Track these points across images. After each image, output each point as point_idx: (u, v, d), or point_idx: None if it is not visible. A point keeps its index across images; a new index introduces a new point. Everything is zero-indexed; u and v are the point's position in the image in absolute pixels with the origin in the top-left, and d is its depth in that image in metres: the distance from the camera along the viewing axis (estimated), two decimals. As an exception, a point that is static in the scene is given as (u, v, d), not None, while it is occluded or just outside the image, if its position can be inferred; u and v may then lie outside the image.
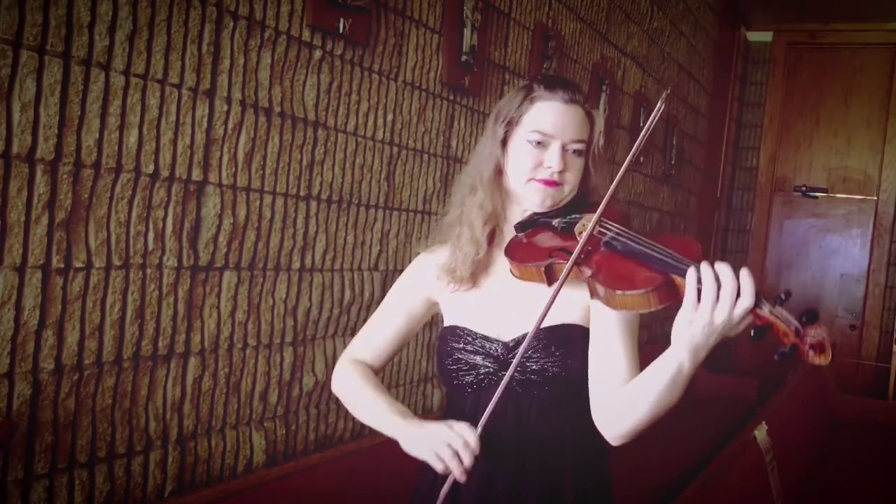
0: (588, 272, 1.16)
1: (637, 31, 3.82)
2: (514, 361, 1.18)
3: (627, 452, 1.29)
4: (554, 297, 1.16)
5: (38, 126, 1.27)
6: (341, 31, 1.85)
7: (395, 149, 2.14)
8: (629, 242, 1.16)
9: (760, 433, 2.62)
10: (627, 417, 1.16)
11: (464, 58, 2.33)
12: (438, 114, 2.31)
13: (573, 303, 1.27)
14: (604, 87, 3.40)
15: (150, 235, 1.49)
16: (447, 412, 1.36)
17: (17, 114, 1.24)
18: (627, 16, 3.67)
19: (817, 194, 5.47)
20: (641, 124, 3.91)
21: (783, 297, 1.00)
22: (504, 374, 1.26)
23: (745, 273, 1.01)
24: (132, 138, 1.42)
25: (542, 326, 1.25)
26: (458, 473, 1.14)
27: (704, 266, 1.02)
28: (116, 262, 1.43)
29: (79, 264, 1.36)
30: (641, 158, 3.98)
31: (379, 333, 1.44)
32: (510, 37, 2.62)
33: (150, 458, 1.54)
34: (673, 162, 4.44)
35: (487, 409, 1.17)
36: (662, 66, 4.24)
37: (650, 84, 4.07)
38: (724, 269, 1.01)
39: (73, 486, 1.40)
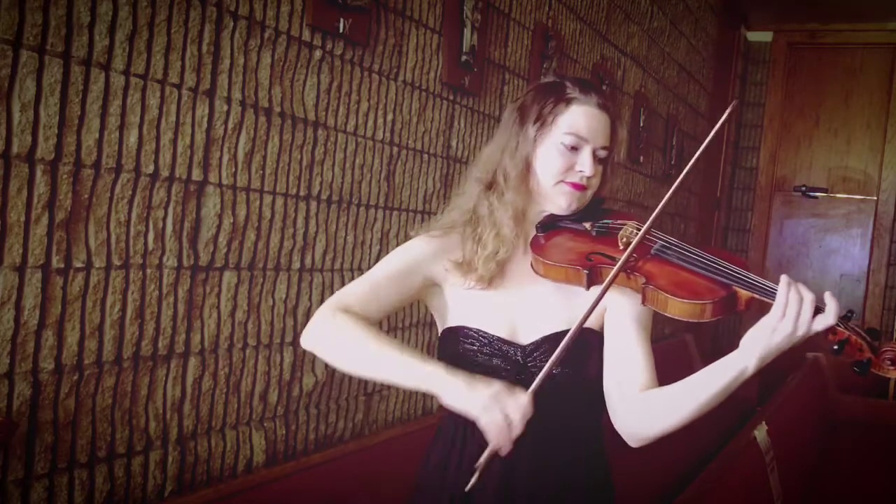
0: (642, 279, 1.18)
1: (637, 31, 3.82)
2: (552, 359, 1.15)
3: (627, 452, 1.29)
4: (598, 300, 1.17)
5: (38, 126, 1.27)
6: (341, 31, 1.85)
7: (395, 149, 2.14)
8: (683, 252, 1.20)
9: (760, 433, 2.62)
10: (658, 423, 1.17)
11: (464, 58, 2.33)
12: (438, 114, 2.31)
13: (587, 307, 1.27)
14: (604, 88, 3.40)
15: (150, 235, 1.49)
16: (453, 414, 1.34)
17: (17, 114, 1.24)
18: (627, 16, 3.67)
19: (817, 194, 5.47)
20: (641, 124, 3.91)
21: (849, 314, 1.10)
22: (520, 378, 1.26)
23: (829, 294, 1.09)
24: (132, 138, 1.42)
25: (557, 331, 1.26)
26: (506, 449, 1.09)
27: (790, 283, 1.09)
28: (116, 262, 1.43)
29: (79, 264, 1.36)
30: (641, 158, 3.98)
31: (371, 290, 1.28)
32: (510, 37, 2.62)
33: (150, 458, 1.54)
34: (673, 162, 4.44)
35: (539, 376, 1.13)
36: (662, 66, 4.24)
37: (650, 84, 4.07)
38: (803, 287, 1.09)
39: (73, 486, 1.39)
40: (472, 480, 1.10)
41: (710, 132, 1.21)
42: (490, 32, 2.49)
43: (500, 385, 1.11)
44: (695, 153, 1.21)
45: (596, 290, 1.20)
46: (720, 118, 1.22)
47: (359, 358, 1.20)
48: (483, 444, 1.12)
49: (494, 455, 1.10)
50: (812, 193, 5.46)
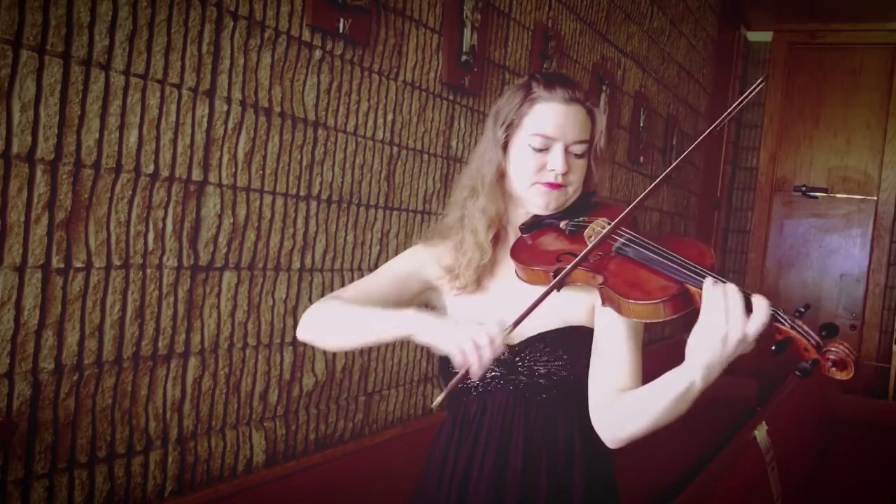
0: (600, 279, 1.14)
1: (637, 31, 3.82)
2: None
3: (627, 452, 1.29)
4: (547, 293, 1.14)
5: (38, 126, 1.27)
6: (341, 31, 1.85)
7: (395, 149, 2.14)
8: (641, 249, 1.15)
9: (760, 433, 2.62)
10: (628, 425, 1.16)
11: (464, 58, 2.33)
12: (438, 114, 2.31)
13: (579, 304, 1.26)
14: (604, 87, 3.40)
15: (150, 235, 1.49)
16: (451, 414, 1.35)
17: (17, 114, 1.24)
18: (627, 16, 3.67)
19: (817, 194, 5.47)
20: (641, 124, 3.91)
21: (802, 310, 1.00)
22: (511, 377, 1.27)
23: (757, 296, 1.01)
24: (132, 138, 1.42)
25: (548, 330, 1.25)
26: (475, 369, 1.08)
27: (716, 282, 1.01)
28: (116, 262, 1.43)
29: (79, 264, 1.36)
30: (641, 158, 3.98)
31: (364, 290, 1.32)
32: (510, 37, 2.62)
33: (150, 458, 1.54)
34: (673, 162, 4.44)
35: (519, 315, 1.12)
36: (662, 66, 4.24)
37: (650, 84, 4.07)
38: (731, 287, 1.01)
39: (73, 486, 1.39)
40: (439, 398, 1.09)
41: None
42: (490, 32, 2.49)
43: (470, 322, 1.11)
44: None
45: (583, 290, 1.18)
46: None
47: (342, 327, 1.24)
48: (482, 445, 1.12)
49: (465, 376, 1.09)
50: (812, 193, 5.46)
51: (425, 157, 2.28)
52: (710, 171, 5.37)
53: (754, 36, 5.72)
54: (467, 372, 1.08)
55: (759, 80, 1.20)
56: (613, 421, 1.18)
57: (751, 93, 1.19)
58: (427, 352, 2.38)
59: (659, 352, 3.56)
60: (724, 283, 1.02)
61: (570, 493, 1.28)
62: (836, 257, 5.47)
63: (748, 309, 1.00)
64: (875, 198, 5.37)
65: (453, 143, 2.40)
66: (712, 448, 2.97)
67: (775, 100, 5.66)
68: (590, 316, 1.28)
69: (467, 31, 2.33)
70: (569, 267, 1.15)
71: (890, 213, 5.31)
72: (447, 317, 1.15)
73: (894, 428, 4.13)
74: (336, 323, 1.25)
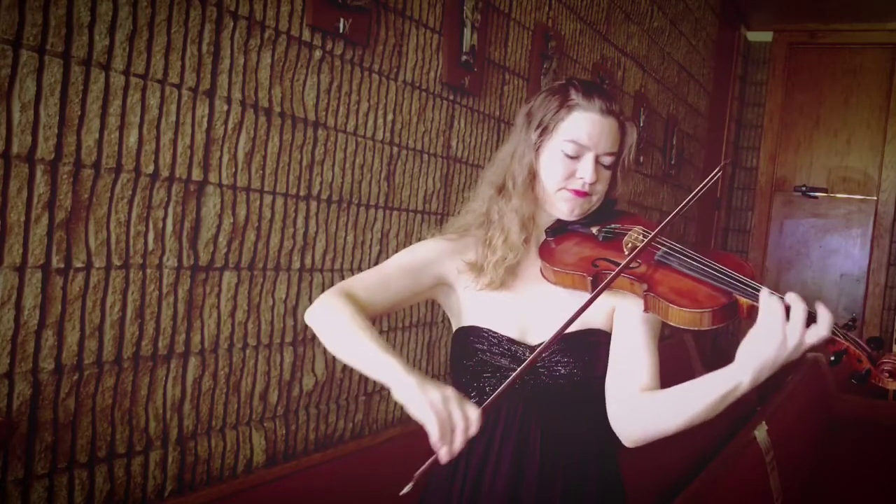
0: (644, 286, 1.17)
1: (637, 31, 3.82)
2: (526, 363, 1.16)
3: (627, 452, 1.30)
4: (591, 300, 1.17)
5: (38, 126, 1.27)
6: (341, 31, 1.85)
7: (395, 149, 2.14)
8: (687, 259, 1.19)
9: (760, 433, 2.62)
10: (660, 423, 1.17)
11: (464, 58, 2.33)
12: (438, 114, 2.31)
13: (599, 309, 1.27)
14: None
15: (150, 235, 1.49)
16: None
17: (17, 114, 1.24)
18: (627, 16, 3.67)
19: (817, 194, 5.47)
20: (641, 124, 3.91)
21: (851, 323, 1.08)
22: (529, 378, 1.28)
23: (821, 305, 1.05)
24: (132, 138, 1.42)
25: (569, 332, 1.26)
26: (444, 454, 1.03)
27: (790, 294, 1.06)
28: (116, 262, 1.43)
29: (79, 264, 1.36)
30: (641, 159, 3.98)
31: (380, 281, 1.29)
32: (510, 37, 2.62)
33: (150, 458, 1.54)
34: (673, 162, 4.44)
35: (493, 396, 1.09)
36: (662, 66, 4.24)
37: (650, 84, 4.07)
38: (794, 296, 1.06)
39: (73, 486, 1.39)
40: (407, 488, 1.04)
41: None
42: (490, 32, 2.49)
43: (453, 392, 1.06)
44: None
45: (603, 294, 1.20)
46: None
47: (338, 340, 1.21)
48: (498, 444, 1.12)
49: (434, 462, 1.05)
50: (812, 193, 5.46)
51: (425, 157, 2.28)
52: (710, 171, 5.37)
53: (754, 36, 5.72)
54: (436, 458, 1.04)
55: (718, 169, 1.35)
56: (641, 419, 1.19)
57: (713, 177, 1.32)
58: (427, 352, 2.38)
59: (659, 352, 3.56)
60: (780, 296, 1.06)
61: (584, 491, 1.29)
62: (836, 257, 5.47)
63: (810, 320, 1.05)
64: (875, 198, 5.37)
65: (453, 143, 2.40)
66: (712, 448, 2.97)
67: (775, 100, 5.66)
68: (608, 320, 1.29)
69: (467, 31, 2.33)
70: (614, 273, 1.18)
71: (890, 213, 5.31)
72: (424, 378, 1.08)
73: (894, 428, 4.13)
74: (338, 337, 1.21)
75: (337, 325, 1.21)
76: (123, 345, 1.46)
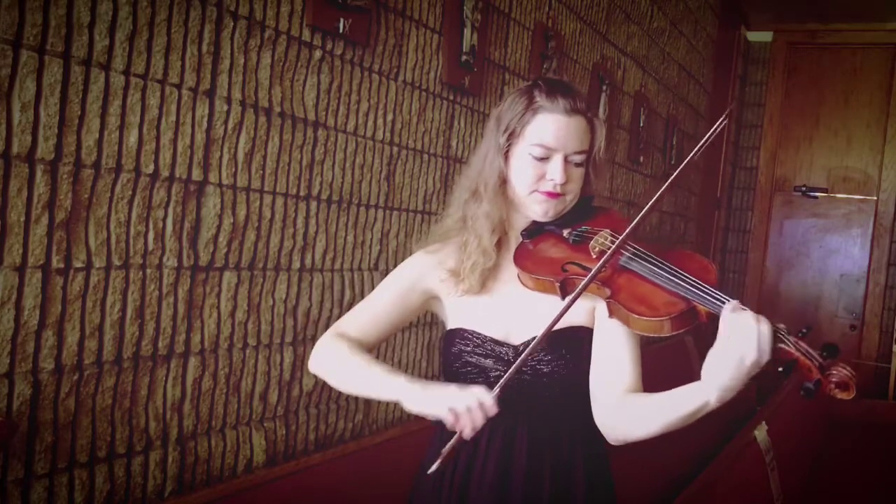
0: (608, 292, 1.17)
1: (637, 31, 3.82)
2: (517, 362, 1.17)
3: (627, 452, 1.30)
4: (564, 311, 1.17)
5: (38, 126, 1.27)
6: (341, 31, 1.85)
7: (395, 149, 2.14)
8: (647, 264, 1.18)
9: (760, 433, 2.62)
10: (638, 429, 1.17)
11: (464, 58, 2.33)
12: (438, 114, 2.31)
13: (580, 305, 1.27)
14: (604, 87, 3.40)
15: (150, 235, 1.49)
16: None
17: (17, 114, 1.24)
18: (627, 16, 3.67)
19: (817, 194, 5.47)
20: (641, 124, 3.91)
21: (804, 331, 1.04)
22: (514, 377, 1.27)
23: (761, 319, 1.03)
24: (132, 138, 1.42)
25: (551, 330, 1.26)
26: (467, 431, 1.11)
27: (735, 308, 1.04)
28: (116, 262, 1.43)
29: (79, 264, 1.36)
30: (641, 159, 3.98)
31: (370, 316, 1.37)
32: (510, 37, 2.62)
33: (150, 458, 1.54)
34: (673, 162, 4.44)
35: (502, 381, 1.14)
36: (662, 66, 4.24)
37: (650, 84, 4.07)
38: (749, 314, 1.03)
39: (73, 486, 1.39)
40: (435, 465, 1.12)
41: (708, 132, 1.21)
42: (490, 32, 2.49)
43: (455, 386, 1.14)
44: (695, 154, 1.22)
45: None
46: (718, 119, 1.22)
47: (342, 380, 1.31)
48: (485, 445, 1.12)
49: (460, 440, 1.12)
50: (812, 193, 5.46)
51: (425, 157, 2.28)
52: (710, 170, 5.37)
53: (754, 36, 5.72)
54: (461, 435, 1.11)
55: (723, 116, 1.29)
56: (623, 422, 1.19)
57: (719, 125, 1.28)
58: (427, 352, 2.38)
59: (658, 352, 3.56)
60: (744, 309, 1.04)
61: (573, 490, 1.29)
62: (836, 257, 5.47)
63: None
64: (875, 198, 5.37)
65: (453, 143, 2.40)
66: (712, 448, 2.97)
67: (775, 100, 5.66)
68: (590, 317, 1.29)
69: (467, 31, 2.33)
70: (580, 287, 1.17)
71: (890, 213, 5.31)
72: (426, 383, 1.18)
73: (894, 428, 4.13)
74: (342, 375, 1.31)
75: (337, 365, 1.30)
76: (123, 345, 1.46)
